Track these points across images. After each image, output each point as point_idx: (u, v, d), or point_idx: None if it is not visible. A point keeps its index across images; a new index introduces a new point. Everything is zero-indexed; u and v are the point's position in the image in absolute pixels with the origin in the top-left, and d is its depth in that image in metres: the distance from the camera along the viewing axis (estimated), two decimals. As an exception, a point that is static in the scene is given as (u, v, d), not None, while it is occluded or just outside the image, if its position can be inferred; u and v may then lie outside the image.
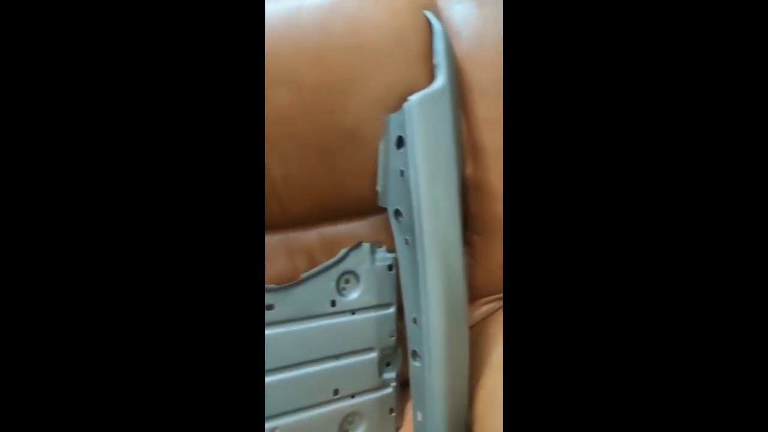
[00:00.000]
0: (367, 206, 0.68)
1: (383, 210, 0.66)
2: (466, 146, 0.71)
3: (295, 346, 0.63)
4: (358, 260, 0.67)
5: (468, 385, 0.63)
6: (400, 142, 0.60)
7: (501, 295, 0.76)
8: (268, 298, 0.60)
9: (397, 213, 0.62)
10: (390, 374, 0.72)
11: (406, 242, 0.61)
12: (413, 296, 0.60)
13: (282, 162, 0.65)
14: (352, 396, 0.68)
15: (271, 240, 0.70)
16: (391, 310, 0.70)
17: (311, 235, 0.72)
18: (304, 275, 0.62)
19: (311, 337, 0.64)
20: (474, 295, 0.75)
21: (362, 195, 0.68)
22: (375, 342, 0.69)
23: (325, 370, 0.66)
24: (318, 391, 0.65)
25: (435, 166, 0.57)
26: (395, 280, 0.69)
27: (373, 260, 0.68)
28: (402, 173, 0.59)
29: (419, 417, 0.63)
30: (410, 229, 0.58)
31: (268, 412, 0.61)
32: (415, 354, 0.62)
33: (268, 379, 0.61)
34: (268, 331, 0.61)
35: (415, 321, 0.61)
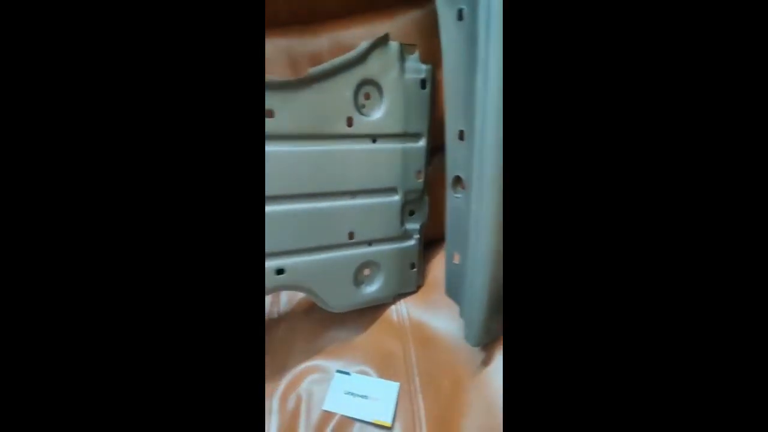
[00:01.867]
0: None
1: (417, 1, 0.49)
2: None
3: (303, 171, 0.49)
4: (383, 66, 0.50)
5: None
6: None
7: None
8: (268, 99, 0.45)
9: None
10: (413, 225, 0.59)
11: (460, 16, 0.44)
12: (463, 97, 0.44)
13: None
14: (369, 243, 0.56)
15: (272, 46, 0.53)
16: (421, 143, 0.55)
17: (321, 42, 0.55)
18: (312, 70, 0.46)
19: (322, 164, 0.50)
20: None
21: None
22: (398, 182, 0.55)
23: (339, 208, 0.53)
24: (330, 231, 0.53)
25: None
26: (428, 104, 0.54)
27: (402, 69, 0.51)
28: None
29: (456, 259, 0.51)
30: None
31: (271, 247, 0.49)
32: (457, 181, 0.48)
33: (270, 208, 0.48)
34: (268, 147, 0.46)
35: (461, 136, 0.46)
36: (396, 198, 0.56)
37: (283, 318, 0.64)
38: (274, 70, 0.52)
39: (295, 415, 0.54)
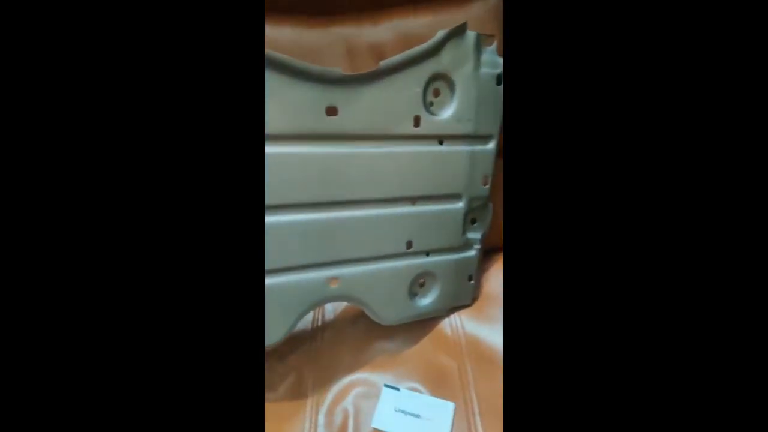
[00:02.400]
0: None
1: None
2: None
3: (363, 175, 0.44)
4: (458, 59, 0.45)
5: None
6: None
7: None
8: (331, 97, 0.40)
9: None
10: (475, 234, 0.54)
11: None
12: None
13: None
14: (427, 253, 0.52)
15: (328, 35, 0.48)
16: (491, 145, 0.50)
17: (382, 31, 0.50)
18: (384, 63, 0.41)
19: (384, 167, 0.45)
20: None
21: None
22: (463, 188, 0.50)
23: (398, 216, 0.48)
24: (387, 240, 0.48)
25: None
26: (501, 102, 0.48)
27: (478, 63, 0.46)
28: None
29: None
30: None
31: (326, 256, 0.46)
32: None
33: (326, 214, 0.44)
34: (328, 149, 0.42)
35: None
36: (459, 205, 0.51)
37: (328, 326, 0.60)
38: (331, 61, 0.47)
39: (342, 431, 0.51)
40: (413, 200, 0.48)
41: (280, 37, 0.46)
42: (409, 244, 0.50)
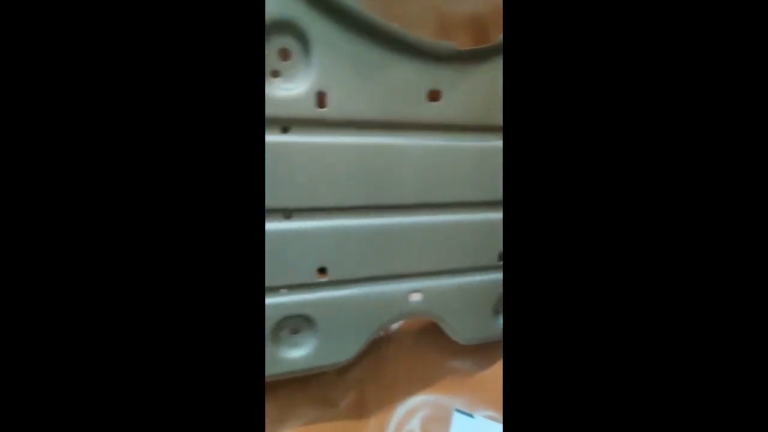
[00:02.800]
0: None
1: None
2: None
3: (462, 174, 0.38)
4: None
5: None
6: None
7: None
8: (436, 79, 0.33)
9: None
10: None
11: None
12: None
13: None
14: (520, 265, 0.45)
15: (417, 3, 0.41)
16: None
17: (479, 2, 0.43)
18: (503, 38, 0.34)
19: (485, 165, 0.38)
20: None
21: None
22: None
23: (492, 222, 0.41)
24: (478, 249, 0.42)
25: None
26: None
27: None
28: None
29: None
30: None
31: (410, 268, 0.40)
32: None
33: (411, 218, 0.38)
34: (428, 140, 0.35)
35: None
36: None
37: (392, 338, 0.55)
38: (419, 33, 0.40)
39: (411, 460, 0.45)
40: (511, 204, 0.41)
41: (365, 5, 0.40)
42: (501, 256, 0.43)
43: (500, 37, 0.35)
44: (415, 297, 0.42)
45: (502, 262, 0.44)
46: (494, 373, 0.51)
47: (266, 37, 0.30)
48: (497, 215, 0.42)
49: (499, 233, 0.43)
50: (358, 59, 0.32)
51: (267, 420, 0.48)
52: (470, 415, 0.47)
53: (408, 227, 0.39)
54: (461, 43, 0.38)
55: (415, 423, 0.48)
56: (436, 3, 0.44)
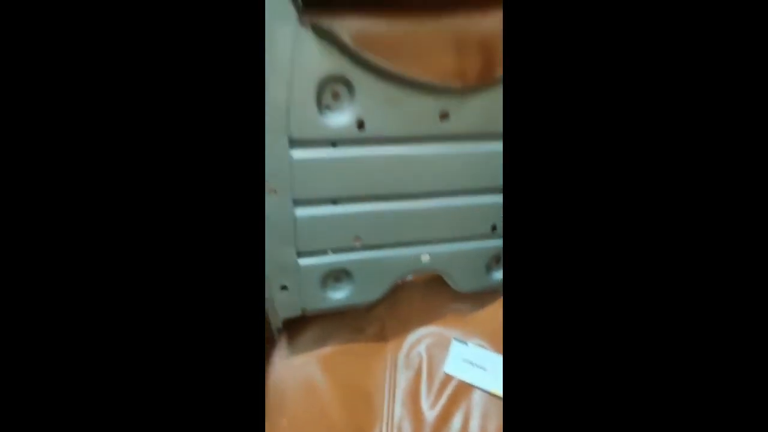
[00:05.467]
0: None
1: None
2: None
3: (464, 169, 0.50)
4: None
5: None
6: None
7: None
8: (445, 104, 0.45)
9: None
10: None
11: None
12: None
13: None
14: (507, 235, 0.58)
15: (438, 27, 0.50)
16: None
17: (491, 23, 0.51)
18: (499, 75, 0.45)
19: (480, 163, 0.51)
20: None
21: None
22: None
23: (487, 203, 0.54)
24: (476, 223, 0.55)
25: None
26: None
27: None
28: None
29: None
30: None
31: (423, 236, 0.53)
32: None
33: (428, 203, 0.51)
34: (438, 148, 0.48)
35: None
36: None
37: (407, 286, 0.68)
38: (440, 53, 0.50)
39: (418, 372, 0.61)
40: (500, 190, 0.53)
41: (394, 30, 0.49)
42: (494, 227, 0.56)
43: (496, 75, 0.45)
44: (425, 257, 0.56)
45: (493, 232, 0.57)
46: (485, 313, 0.65)
47: (323, 84, 0.42)
48: (489, 198, 0.54)
49: (489, 211, 0.55)
50: (387, 97, 0.43)
51: (314, 339, 0.63)
52: (465, 343, 0.62)
53: (421, 208, 0.52)
54: (473, 59, 0.48)
55: (422, 347, 0.62)
56: (451, 26, 0.52)
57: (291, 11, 0.37)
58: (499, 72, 0.47)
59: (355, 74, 0.42)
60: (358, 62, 0.41)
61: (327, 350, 0.61)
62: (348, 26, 0.45)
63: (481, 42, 0.51)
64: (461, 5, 0.50)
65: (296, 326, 0.61)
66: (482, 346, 0.62)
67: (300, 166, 0.44)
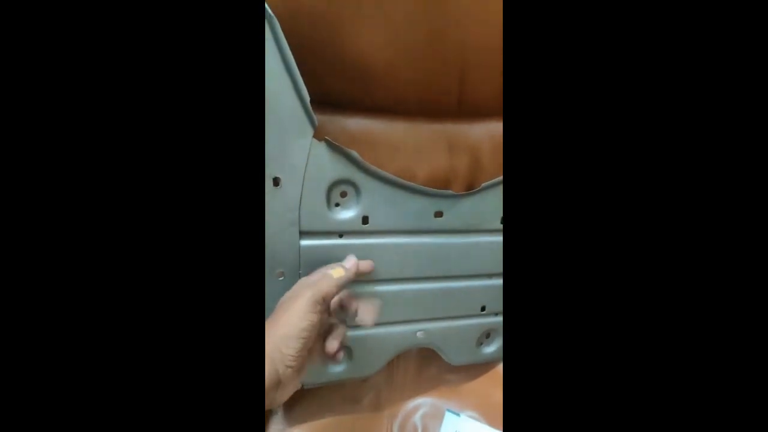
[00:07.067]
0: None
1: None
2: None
3: (456, 258, 0.56)
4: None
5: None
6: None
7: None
8: (439, 204, 0.52)
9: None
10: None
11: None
12: None
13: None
14: (497, 314, 0.63)
15: (434, 130, 0.57)
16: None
17: (479, 132, 0.59)
18: (485, 185, 0.52)
19: (472, 252, 0.57)
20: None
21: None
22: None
23: (477, 287, 0.60)
24: (467, 304, 0.60)
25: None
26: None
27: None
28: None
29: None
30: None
31: (419, 315, 0.59)
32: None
33: (424, 285, 0.57)
34: (433, 240, 0.54)
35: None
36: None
37: (403, 359, 0.70)
38: (434, 153, 0.57)
39: (412, 442, 0.64)
40: (489, 276, 0.59)
41: (395, 131, 0.57)
42: (483, 308, 0.61)
43: (482, 184, 0.53)
44: (421, 334, 0.60)
45: (482, 312, 0.62)
46: (476, 384, 0.68)
47: (333, 185, 0.48)
48: (479, 282, 0.60)
49: (479, 293, 0.60)
50: (388, 198, 0.50)
51: (310, 411, 0.63)
52: (458, 414, 0.65)
53: (417, 290, 0.57)
54: (462, 161, 0.55)
55: (416, 417, 0.65)
56: (444, 131, 0.59)
57: (308, 128, 0.44)
58: (485, 180, 0.54)
59: (360, 178, 0.49)
60: (364, 170, 0.48)
61: (324, 422, 0.63)
62: (353, 125, 0.52)
63: (471, 148, 0.59)
64: (450, 115, 0.58)
65: (293, 397, 0.64)
66: (474, 418, 0.65)
67: (308, 252, 0.49)
